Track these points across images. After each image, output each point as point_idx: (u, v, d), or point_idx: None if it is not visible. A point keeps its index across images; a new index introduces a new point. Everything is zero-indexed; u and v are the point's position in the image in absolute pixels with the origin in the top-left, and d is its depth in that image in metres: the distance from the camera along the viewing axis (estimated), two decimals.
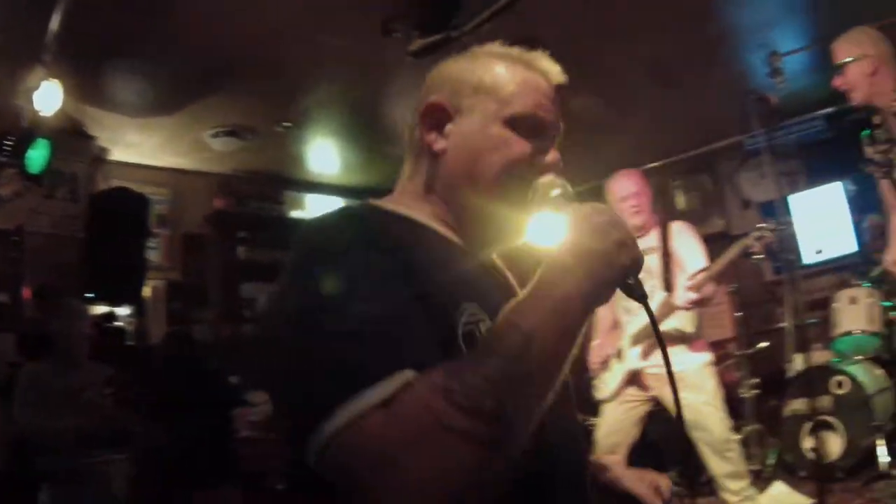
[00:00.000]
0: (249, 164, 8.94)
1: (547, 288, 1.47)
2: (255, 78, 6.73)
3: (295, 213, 9.70)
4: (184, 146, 8.02)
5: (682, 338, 5.48)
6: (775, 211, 5.43)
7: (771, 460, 6.76)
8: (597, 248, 1.49)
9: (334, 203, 9.92)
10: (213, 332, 8.50)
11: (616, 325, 5.78)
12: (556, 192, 1.73)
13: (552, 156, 1.85)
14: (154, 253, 7.97)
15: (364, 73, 6.84)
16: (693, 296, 5.10)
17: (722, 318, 8.97)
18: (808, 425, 6.11)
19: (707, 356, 5.52)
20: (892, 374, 5.96)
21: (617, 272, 1.51)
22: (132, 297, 7.33)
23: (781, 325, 7.72)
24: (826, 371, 6.46)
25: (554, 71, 1.95)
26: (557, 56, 5.68)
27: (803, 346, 5.57)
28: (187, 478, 6.00)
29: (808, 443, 6.15)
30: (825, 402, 6.24)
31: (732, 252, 5.16)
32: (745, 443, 6.86)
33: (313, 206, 9.86)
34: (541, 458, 1.54)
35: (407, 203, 1.87)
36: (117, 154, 7.95)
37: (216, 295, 8.77)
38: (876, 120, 4.72)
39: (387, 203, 1.87)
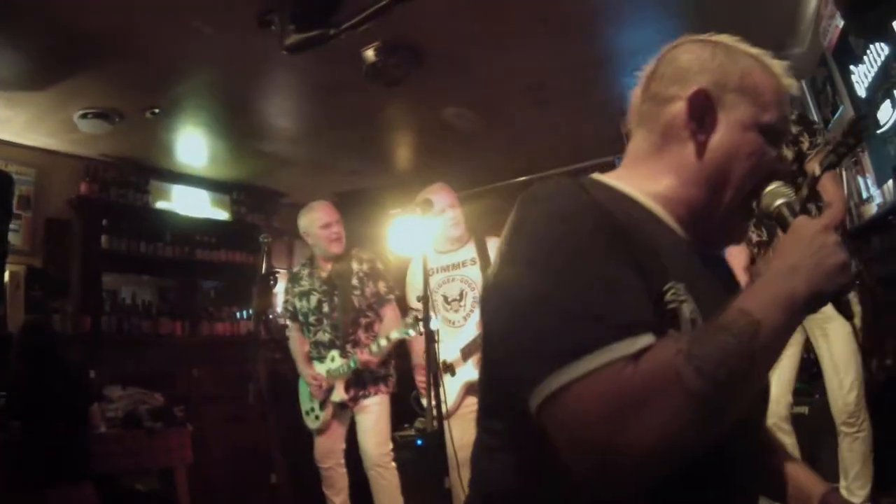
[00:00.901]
0: (116, 150, 8.79)
1: (776, 285, 1.53)
2: (126, 61, 6.62)
3: (159, 204, 9.51)
4: (52, 126, 7.84)
5: None
6: None
7: None
8: (825, 263, 1.55)
9: (199, 195, 9.81)
10: (72, 322, 8.31)
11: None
12: (781, 200, 1.79)
13: (785, 165, 1.87)
14: (15, 236, 7.71)
15: (237, 65, 6.82)
16: None
17: None
18: None
19: None
20: None
21: (835, 289, 1.56)
22: None
23: None
24: None
25: (794, 85, 1.92)
26: (433, 62, 5.67)
27: None
28: (39, 476, 5.83)
29: None
30: None
31: None
32: None
33: (178, 198, 9.70)
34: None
35: (639, 184, 1.87)
36: None
37: (77, 284, 8.54)
38: None
39: (615, 180, 1.88)
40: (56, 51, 6.32)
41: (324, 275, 6.59)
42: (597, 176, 1.92)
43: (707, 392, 1.33)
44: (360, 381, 6.34)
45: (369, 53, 6.38)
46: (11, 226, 7.15)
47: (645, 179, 1.87)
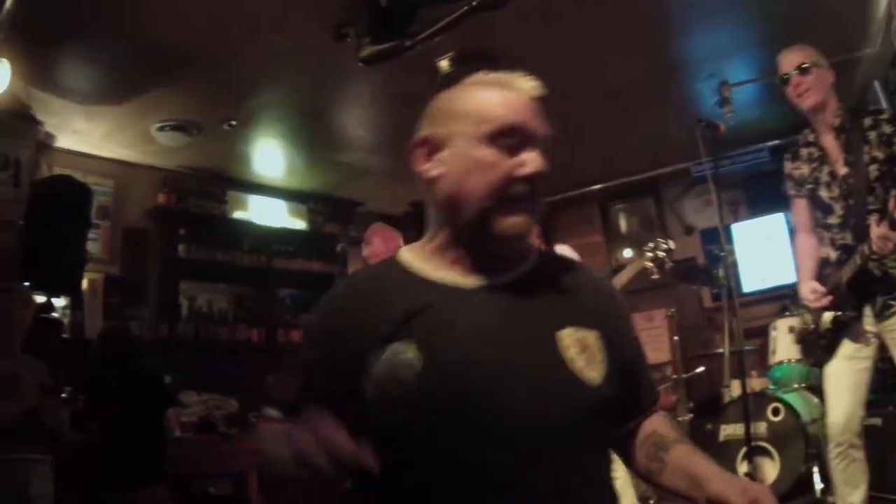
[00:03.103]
0: (194, 161, 8.87)
1: None
2: (204, 74, 6.69)
3: (237, 214, 9.62)
4: (129, 138, 7.93)
5: None
6: (718, 238, 5.44)
7: None
8: None
9: (276, 205, 9.89)
10: (149, 329, 8.42)
11: None
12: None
13: (531, 164, 1.94)
14: (94, 245, 7.84)
15: (313, 77, 6.85)
16: None
17: (660, 341, 9.04)
18: (743, 450, 6.15)
19: None
20: None
21: None
22: (70, 289, 7.25)
23: (719, 350, 7.75)
24: (762, 398, 6.52)
25: (529, 86, 2.05)
26: (508, 70, 5.65)
27: (740, 373, 5.59)
28: (116, 478, 5.92)
29: (742, 468, 6.19)
30: (761, 428, 6.29)
31: (627, 273, 5.19)
32: None
33: (255, 208, 9.80)
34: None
35: (419, 246, 2.15)
36: (63, 141, 7.84)
37: (154, 292, 8.66)
38: (809, 136, 4.84)
39: (415, 251, 2.14)
40: (134, 64, 6.41)
41: None
42: (405, 250, 2.18)
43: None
44: None
45: (444, 64, 6.40)
46: (90, 235, 7.28)
47: (429, 241, 2.11)
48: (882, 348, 4.62)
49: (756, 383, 6.91)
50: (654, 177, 10.11)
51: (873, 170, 4.47)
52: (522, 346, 1.91)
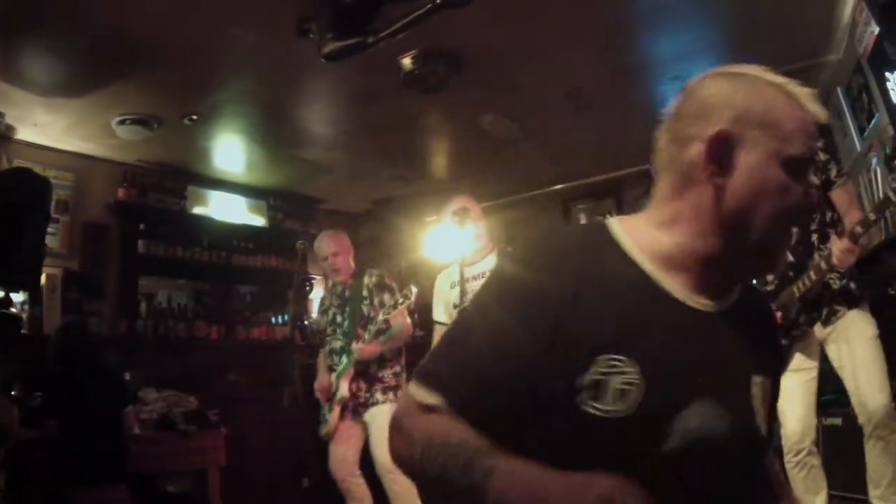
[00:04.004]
0: (154, 156, 8.85)
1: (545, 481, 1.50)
2: (165, 67, 6.66)
3: (196, 209, 9.59)
4: (90, 131, 7.90)
5: None
6: None
7: None
8: None
9: (236, 201, 9.87)
10: (108, 325, 8.37)
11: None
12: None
13: (813, 195, 1.83)
14: (53, 239, 7.76)
15: (275, 73, 6.84)
16: None
17: None
18: None
19: None
20: None
21: None
22: (29, 284, 7.18)
23: None
24: None
25: (821, 113, 1.84)
26: (471, 70, 5.69)
27: None
28: (74, 477, 5.88)
29: None
30: None
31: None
32: None
33: (215, 203, 9.79)
34: None
35: (651, 235, 1.86)
36: (23, 134, 7.81)
37: (113, 287, 8.62)
38: None
39: (629, 228, 1.89)
40: (95, 57, 6.37)
41: (339, 290, 6.87)
42: (615, 222, 1.91)
43: (410, 473, 1.78)
44: (369, 385, 6.48)
45: (406, 61, 6.40)
46: (49, 229, 7.21)
47: (659, 228, 1.86)
48: (824, 355, 4.78)
49: None
50: (616, 178, 10.13)
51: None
52: (728, 387, 1.78)
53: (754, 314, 1.94)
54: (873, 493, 4.64)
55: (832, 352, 4.75)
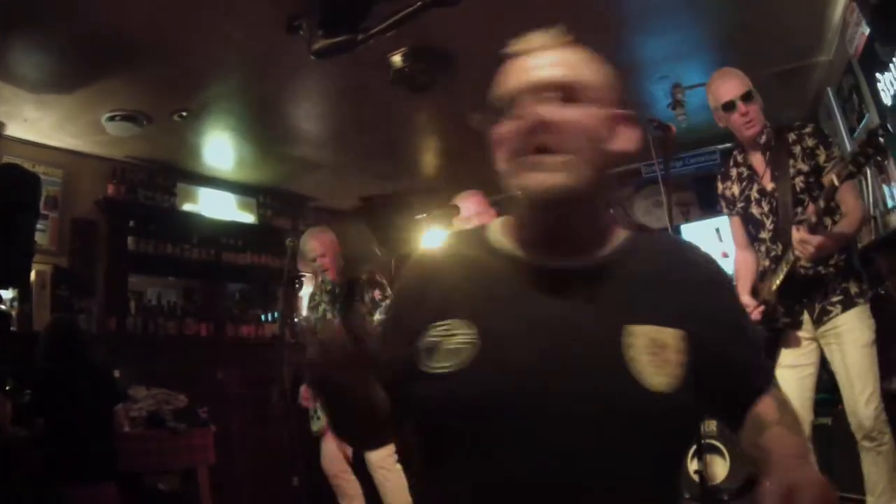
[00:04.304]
0: (144, 152, 8.82)
1: None
2: (155, 63, 6.64)
3: (186, 206, 9.57)
4: (80, 127, 7.87)
5: None
6: None
7: None
8: None
9: (226, 198, 9.86)
10: (97, 322, 8.36)
11: None
12: None
13: (529, 117, 1.87)
14: (42, 236, 7.77)
15: (265, 70, 6.85)
16: None
17: None
18: (693, 447, 6.20)
19: None
20: None
21: None
22: (18, 281, 7.16)
23: None
24: None
25: (530, 42, 2.23)
26: (460, 68, 5.68)
27: None
28: (63, 474, 5.87)
29: (693, 465, 6.23)
30: (711, 425, 6.38)
31: None
32: None
33: (205, 200, 9.77)
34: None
35: (517, 215, 2.05)
36: (12, 129, 7.76)
37: (102, 284, 8.61)
38: (738, 157, 5.07)
39: (504, 224, 2.10)
40: (84, 53, 6.36)
41: (328, 286, 6.89)
42: (499, 219, 2.13)
43: None
44: None
45: (396, 59, 6.40)
46: (38, 226, 7.19)
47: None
48: (823, 353, 4.71)
49: None
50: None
51: (798, 182, 4.66)
52: (579, 341, 1.80)
53: (649, 264, 1.96)
54: (870, 499, 4.63)
55: (827, 353, 4.70)
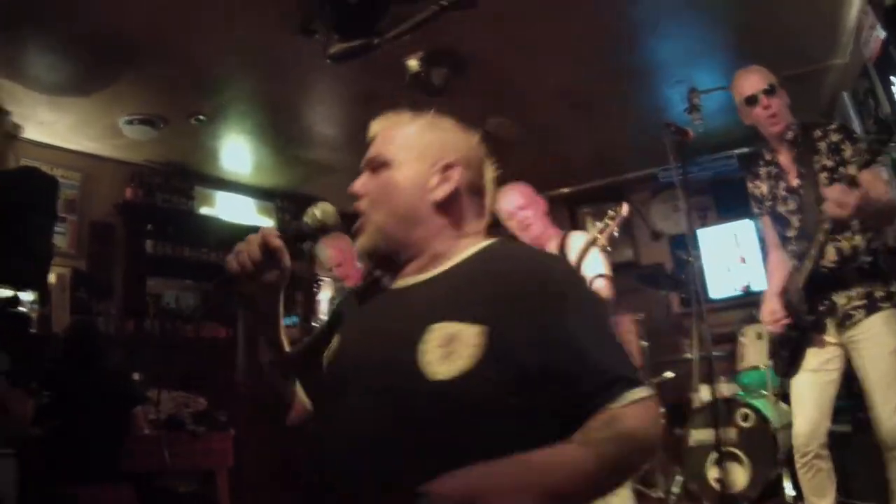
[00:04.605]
0: (161, 155, 8.86)
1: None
2: (172, 67, 6.70)
3: (204, 210, 9.62)
4: (97, 130, 7.92)
5: None
6: (685, 243, 5.46)
7: (675, 489, 6.81)
8: None
9: (244, 202, 9.88)
10: (116, 325, 8.39)
11: None
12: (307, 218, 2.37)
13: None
14: (61, 239, 7.80)
15: (281, 73, 6.87)
16: None
17: (628, 346, 9.05)
18: (713, 455, 6.18)
19: None
20: None
21: None
22: (37, 283, 7.19)
23: (687, 356, 7.77)
24: (732, 403, 6.55)
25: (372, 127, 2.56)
26: (476, 72, 5.68)
27: (708, 378, 5.60)
28: (77, 474, 5.89)
29: (713, 473, 6.22)
30: (730, 433, 6.30)
31: (579, 252, 5.07)
32: (649, 470, 7.06)
33: (223, 204, 9.80)
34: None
35: None
36: (30, 132, 7.78)
37: (121, 287, 8.63)
38: (766, 156, 4.96)
39: None
40: (102, 56, 6.41)
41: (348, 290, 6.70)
42: None
43: None
44: None
45: (412, 63, 6.41)
46: (57, 229, 7.23)
47: None
48: (848, 360, 4.60)
49: (725, 389, 6.91)
50: (622, 181, 10.14)
51: (823, 178, 4.55)
52: (387, 342, 2.10)
53: (471, 271, 2.19)
54: None
55: (852, 359, 4.55)
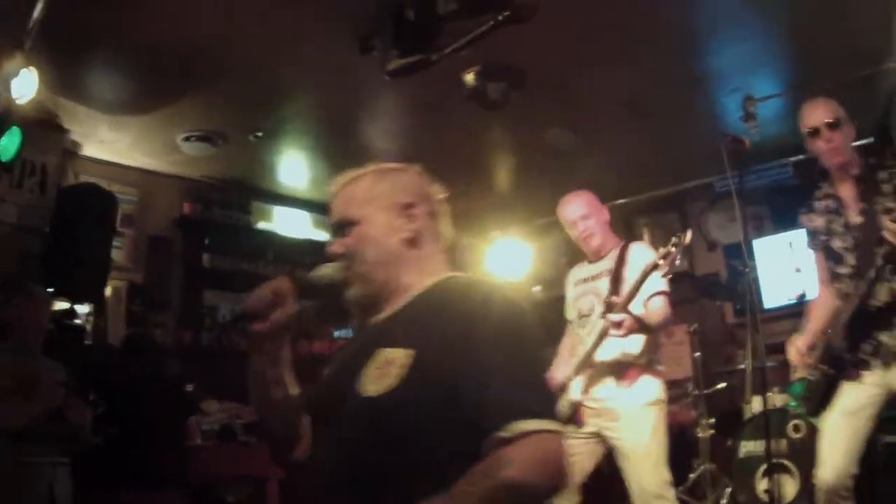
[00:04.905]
0: (219, 171, 8.92)
1: None
2: (230, 84, 6.75)
3: (261, 224, 9.67)
4: (155, 147, 7.99)
5: (621, 368, 5.32)
6: (741, 253, 5.43)
7: (724, 500, 6.77)
8: None
9: (301, 216, 9.91)
10: (172, 337, 8.46)
11: (573, 354, 5.59)
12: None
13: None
14: (118, 253, 7.88)
15: (340, 89, 6.89)
16: (614, 319, 4.94)
17: (681, 356, 9.02)
18: (762, 467, 6.14)
19: (651, 394, 5.29)
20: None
21: None
22: (93, 296, 7.28)
23: (741, 366, 7.72)
24: (783, 414, 6.50)
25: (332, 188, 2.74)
26: (533, 84, 5.70)
27: (761, 389, 5.56)
28: (130, 482, 5.96)
29: (762, 484, 6.18)
30: (781, 444, 6.26)
31: (640, 274, 5.07)
32: (698, 482, 7.08)
33: (280, 218, 9.85)
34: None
35: None
36: (89, 150, 7.89)
37: (178, 300, 8.71)
38: (825, 189, 4.84)
39: None
40: (159, 74, 6.46)
41: None
42: None
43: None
44: None
45: (469, 77, 6.40)
46: (115, 243, 7.32)
47: None
48: (887, 401, 4.49)
49: (777, 399, 6.86)
50: (679, 191, 10.08)
51: (888, 221, 4.32)
52: (344, 372, 2.39)
53: (417, 305, 2.42)
54: None
55: None
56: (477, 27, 5.12)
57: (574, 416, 5.33)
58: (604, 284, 5.50)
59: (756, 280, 8.11)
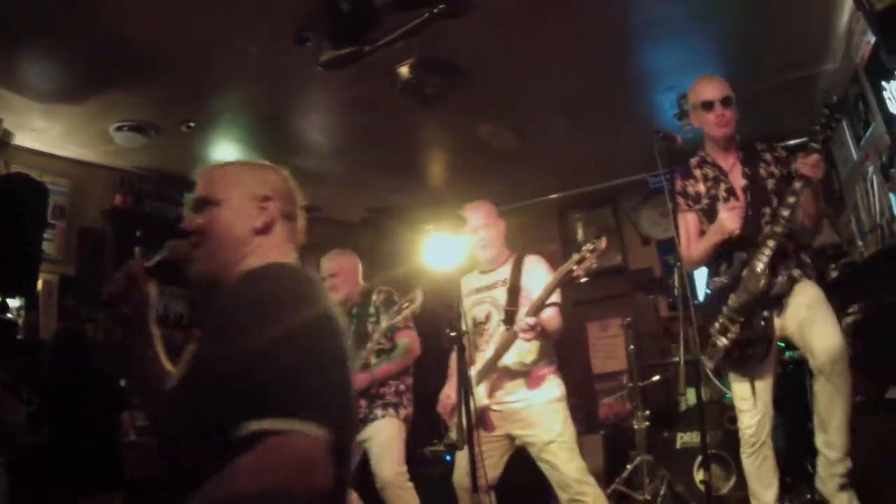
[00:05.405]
0: (151, 163, 8.84)
1: None
2: (163, 75, 6.68)
3: None
4: (87, 137, 7.89)
5: (524, 372, 5.55)
6: (674, 249, 5.51)
7: (662, 490, 6.88)
8: None
9: None
10: (105, 331, 8.36)
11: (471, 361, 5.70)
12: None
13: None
14: (49, 245, 7.76)
15: (273, 81, 6.88)
16: (529, 322, 5.13)
17: (616, 349, 9.10)
18: (699, 458, 6.19)
19: (557, 392, 5.57)
20: (784, 414, 6.01)
21: None
22: (25, 289, 7.17)
23: (675, 359, 7.80)
24: (718, 406, 6.59)
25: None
26: (468, 80, 5.68)
27: (696, 382, 5.65)
28: (68, 483, 5.88)
29: (699, 475, 6.24)
30: (717, 436, 6.34)
31: (554, 279, 5.25)
32: (635, 473, 7.26)
33: None
34: None
35: None
36: (20, 139, 7.75)
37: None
38: (704, 156, 5.25)
39: None
40: (93, 64, 6.39)
41: (345, 307, 6.66)
42: None
43: None
44: (369, 402, 6.30)
45: (403, 70, 6.41)
46: (45, 235, 7.21)
47: None
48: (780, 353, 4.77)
49: (712, 392, 6.96)
50: (613, 187, 10.16)
51: (770, 183, 4.83)
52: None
53: (224, 295, 2.46)
54: None
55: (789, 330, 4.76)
56: (411, 20, 5.12)
57: (482, 421, 5.55)
58: (500, 294, 5.75)
59: (689, 274, 8.20)
